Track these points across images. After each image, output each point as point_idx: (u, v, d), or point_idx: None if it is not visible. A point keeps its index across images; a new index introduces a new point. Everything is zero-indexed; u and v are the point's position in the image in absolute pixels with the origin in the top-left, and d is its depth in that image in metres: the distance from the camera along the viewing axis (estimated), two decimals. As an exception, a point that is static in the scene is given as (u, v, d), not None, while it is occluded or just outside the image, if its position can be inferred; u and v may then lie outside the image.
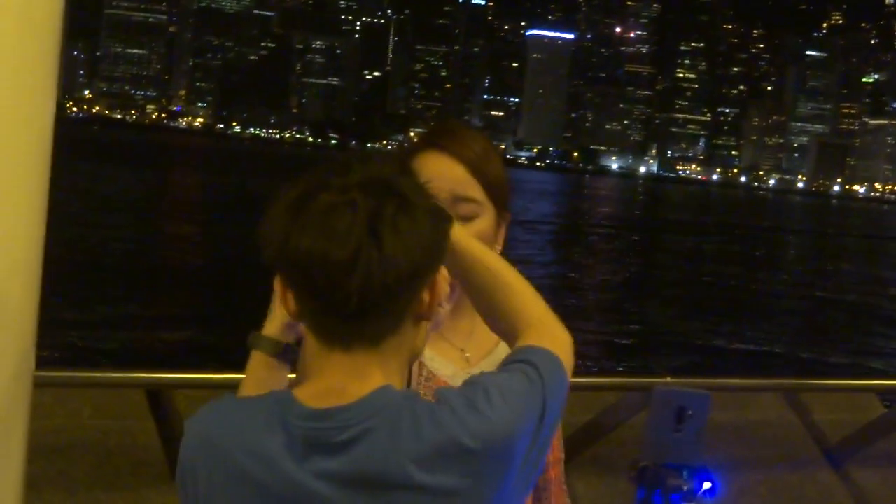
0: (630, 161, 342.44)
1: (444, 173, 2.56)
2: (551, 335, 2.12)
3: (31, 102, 2.44)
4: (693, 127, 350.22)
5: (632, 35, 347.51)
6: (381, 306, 1.88)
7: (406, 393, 1.92)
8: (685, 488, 2.14)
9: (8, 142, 2.39)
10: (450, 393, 1.93)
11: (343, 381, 1.92)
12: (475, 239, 2.28)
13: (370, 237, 1.84)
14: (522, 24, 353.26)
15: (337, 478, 1.85)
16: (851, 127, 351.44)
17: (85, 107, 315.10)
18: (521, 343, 2.11)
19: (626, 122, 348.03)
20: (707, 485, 2.17)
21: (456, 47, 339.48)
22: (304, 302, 1.92)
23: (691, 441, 2.16)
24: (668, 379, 6.24)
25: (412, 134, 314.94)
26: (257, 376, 2.20)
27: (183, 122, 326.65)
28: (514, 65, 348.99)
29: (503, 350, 2.68)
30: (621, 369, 20.35)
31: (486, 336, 2.65)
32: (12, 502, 2.52)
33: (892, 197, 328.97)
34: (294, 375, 2.18)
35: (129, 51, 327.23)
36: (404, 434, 1.85)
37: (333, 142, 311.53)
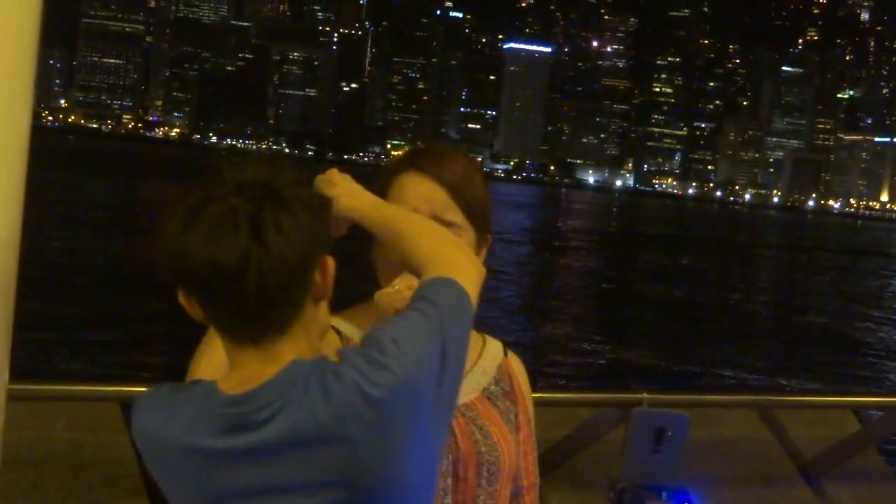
0: (606, 174, 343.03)
1: (424, 196, 2.56)
2: (451, 264, 2.22)
3: (6, 111, 2.41)
4: (669, 141, 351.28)
5: (608, 49, 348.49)
6: (279, 301, 2.00)
7: (314, 360, 2.02)
8: (664, 511, 2.13)
9: None
10: (350, 351, 2.04)
11: (258, 368, 2.03)
12: (371, 206, 2.41)
13: (255, 241, 1.95)
14: (500, 37, 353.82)
15: (259, 447, 1.98)
16: (827, 142, 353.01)
17: (61, 116, 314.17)
18: (422, 279, 2.22)
19: (602, 135, 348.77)
20: (687, 508, 2.17)
21: (433, 60, 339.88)
22: (206, 309, 2.03)
23: (670, 462, 2.15)
24: (645, 395, 6.23)
25: (389, 146, 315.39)
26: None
27: (160, 132, 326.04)
28: (492, 77, 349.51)
29: (482, 369, 2.67)
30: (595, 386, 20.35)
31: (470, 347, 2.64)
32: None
33: (867, 212, 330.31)
34: None
35: (106, 60, 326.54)
36: (315, 397, 1.97)
37: (311, 153, 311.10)
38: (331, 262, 2.09)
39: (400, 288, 2.45)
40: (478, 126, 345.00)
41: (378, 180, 2.64)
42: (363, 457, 1.97)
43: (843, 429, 8.07)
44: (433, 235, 2.32)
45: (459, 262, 2.24)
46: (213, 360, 2.28)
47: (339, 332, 2.51)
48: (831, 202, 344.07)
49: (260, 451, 1.99)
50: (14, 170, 2.44)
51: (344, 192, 2.42)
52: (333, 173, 2.47)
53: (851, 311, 43.91)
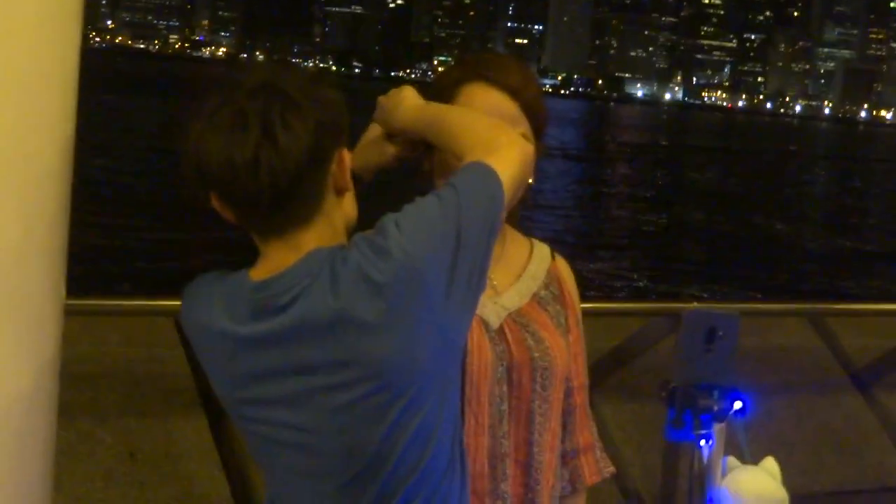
0: (655, 88, 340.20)
1: (495, 108, 2.55)
2: (488, 147, 2.24)
3: (57, 32, 2.43)
4: (718, 53, 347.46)
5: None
6: (294, 193, 2.11)
7: (331, 248, 2.13)
8: (716, 408, 2.14)
9: (36, 71, 2.38)
10: (360, 237, 2.15)
11: (284, 257, 2.16)
12: (414, 110, 2.46)
13: (264, 138, 2.07)
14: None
15: (280, 330, 2.11)
16: (879, 52, 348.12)
17: (108, 37, 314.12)
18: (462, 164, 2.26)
19: (650, 49, 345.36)
20: (738, 404, 2.17)
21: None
22: (232, 209, 2.16)
23: (722, 362, 2.16)
24: (695, 304, 6.24)
25: (436, 62, 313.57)
26: None
27: (206, 51, 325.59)
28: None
29: (531, 274, 2.68)
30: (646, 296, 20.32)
31: (514, 261, 2.65)
32: (47, 429, 2.54)
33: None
34: None
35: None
36: (328, 282, 2.09)
37: (357, 71, 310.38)
38: (347, 155, 2.18)
39: None
40: (525, 41, 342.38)
41: (436, 91, 2.63)
42: (374, 339, 2.07)
43: (894, 336, 8.05)
44: (476, 121, 2.34)
45: (499, 142, 2.26)
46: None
47: None
48: (884, 113, 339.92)
49: (281, 335, 2.10)
50: (66, 95, 2.46)
51: (390, 107, 2.49)
52: (398, 91, 2.53)
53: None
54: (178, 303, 5.91)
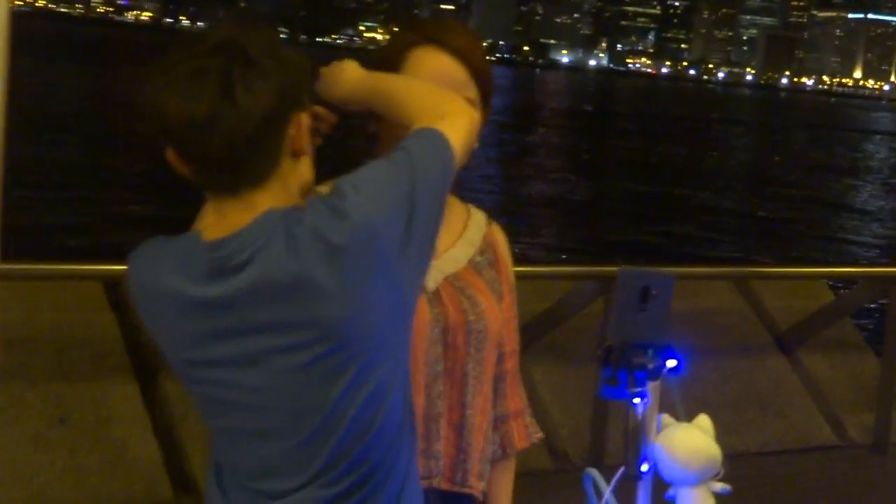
0: (580, 55, 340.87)
1: (446, 74, 2.56)
2: (436, 113, 2.27)
3: None
4: (643, 20, 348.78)
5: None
6: (249, 152, 2.09)
7: (285, 209, 2.11)
8: (650, 366, 2.16)
9: None
10: (315, 198, 2.13)
11: (237, 216, 2.13)
12: (360, 80, 2.44)
13: (223, 95, 2.05)
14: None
15: (235, 292, 2.08)
16: (800, 20, 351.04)
17: (29, 0, 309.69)
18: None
19: (576, 15, 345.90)
20: (672, 363, 2.20)
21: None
22: (187, 164, 2.13)
23: (656, 321, 2.18)
24: (624, 266, 6.29)
25: (362, 28, 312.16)
26: None
27: (130, 16, 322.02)
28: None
29: (468, 239, 2.69)
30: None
31: (452, 225, 2.66)
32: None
33: (840, 89, 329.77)
34: None
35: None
36: (283, 243, 2.07)
37: (283, 37, 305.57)
38: (305, 119, 2.16)
39: None
40: (452, 7, 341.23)
41: (386, 55, 2.63)
42: (329, 300, 2.06)
43: (817, 299, 8.16)
44: (421, 90, 2.36)
45: (446, 109, 2.28)
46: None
47: None
48: (804, 79, 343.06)
49: (237, 296, 2.08)
50: None
51: (331, 79, 2.46)
52: (340, 64, 2.50)
53: (825, 184, 44.08)
54: (107, 267, 5.90)
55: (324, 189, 2.55)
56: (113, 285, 5.97)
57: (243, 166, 2.10)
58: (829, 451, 7.44)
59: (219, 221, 2.15)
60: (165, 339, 2.22)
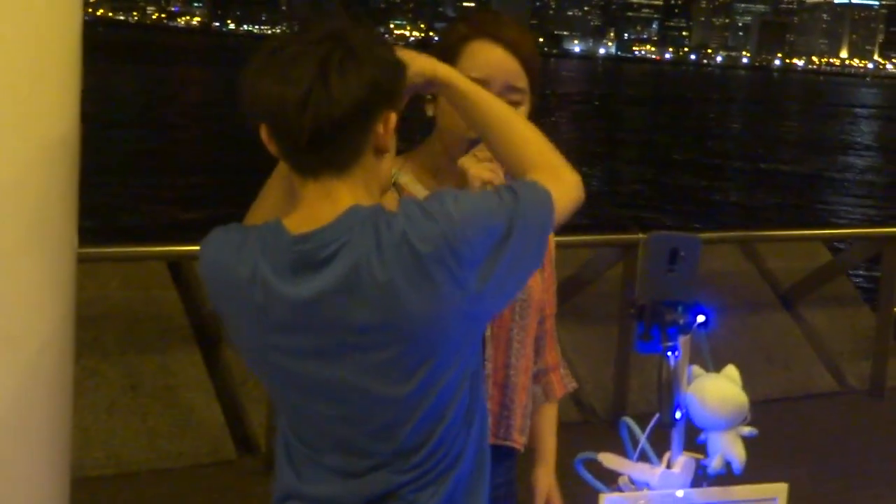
0: (590, 44, 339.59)
1: (500, 65, 2.51)
2: (555, 176, 2.13)
3: (59, 13, 2.41)
4: (647, 11, 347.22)
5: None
6: (335, 138, 1.99)
7: (371, 208, 2.01)
8: (681, 322, 2.12)
9: (44, 39, 2.37)
10: (410, 201, 2.02)
11: (318, 206, 2.02)
12: (482, 89, 2.27)
13: (319, 80, 1.96)
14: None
15: (322, 290, 1.97)
16: (790, 6, 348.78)
17: (90, 10, 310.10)
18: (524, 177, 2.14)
19: (585, 8, 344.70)
20: (701, 318, 2.16)
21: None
22: (276, 141, 2.04)
23: (684, 280, 2.14)
24: (641, 235, 6.23)
25: (392, 25, 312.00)
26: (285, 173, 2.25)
27: (181, 21, 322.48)
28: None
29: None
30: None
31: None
32: (66, 365, 2.53)
33: (828, 69, 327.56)
34: None
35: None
36: (370, 242, 1.96)
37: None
38: (393, 118, 2.05)
39: (483, 157, 2.37)
40: (472, 3, 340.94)
41: (442, 48, 2.55)
42: (408, 305, 1.95)
43: (816, 259, 8.12)
44: (542, 142, 2.20)
45: (565, 177, 2.15)
46: (266, 204, 2.26)
47: (395, 184, 2.39)
48: (795, 60, 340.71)
49: (320, 291, 1.98)
50: (70, 66, 2.44)
51: (428, 58, 2.31)
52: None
53: (817, 153, 43.84)
54: (170, 248, 5.89)
55: (399, 176, 2.46)
56: (175, 264, 5.96)
57: (327, 150, 2.00)
58: (831, 398, 7.44)
59: (300, 208, 2.06)
60: (238, 323, 2.11)
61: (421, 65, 2.23)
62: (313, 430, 2.10)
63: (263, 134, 2.04)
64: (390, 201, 2.13)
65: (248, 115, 2.05)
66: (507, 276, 2.00)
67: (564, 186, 2.12)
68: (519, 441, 2.65)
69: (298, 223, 2.03)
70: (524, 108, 2.52)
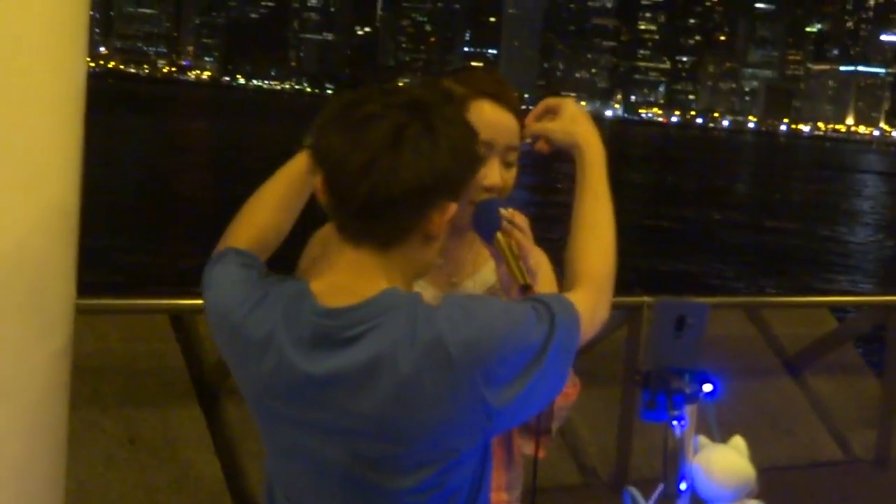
0: (598, 106, 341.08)
1: (504, 125, 2.49)
2: (595, 297, 2.07)
3: (65, 57, 2.44)
4: (654, 74, 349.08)
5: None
6: (387, 214, 1.87)
7: (409, 295, 1.90)
8: (687, 391, 2.09)
9: (47, 91, 2.38)
10: (453, 299, 1.91)
11: (351, 279, 1.92)
12: (604, 175, 2.25)
13: (388, 150, 1.84)
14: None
15: (338, 371, 1.86)
16: (797, 72, 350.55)
17: (101, 62, 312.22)
18: (566, 292, 2.06)
19: (593, 70, 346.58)
20: (708, 387, 2.13)
21: (439, 3, 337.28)
22: (328, 196, 1.92)
23: (691, 347, 2.11)
24: (646, 298, 6.21)
25: (401, 84, 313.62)
26: (295, 170, 2.22)
27: (192, 75, 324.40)
28: (492, 19, 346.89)
29: (489, 271, 2.60)
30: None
31: (475, 259, 2.58)
32: (62, 417, 2.51)
33: (834, 135, 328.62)
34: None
35: (141, 10, 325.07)
36: (402, 331, 1.84)
37: (329, 92, 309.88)
38: (452, 209, 1.93)
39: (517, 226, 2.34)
40: (480, 63, 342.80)
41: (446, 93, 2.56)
42: (425, 408, 1.85)
43: (822, 326, 8.08)
44: (610, 261, 2.16)
45: (601, 307, 2.10)
46: (256, 220, 2.22)
47: None
48: (801, 126, 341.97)
49: (337, 372, 1.87)
50: (73, 117, 2.45)
51: (590, 127, 2.29)
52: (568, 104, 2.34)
53: (825, 219, 43.82)
54: (172, 301, 5.86)
55: None
56: (177, 317, 5.93)
57: (375, 223, 1.89)
58: (835, 467, 7.36)
59: (330, 277, 1.95)
60: (244, 375, 2.00)
61: (581, 131, 2.25)
62: (299, 486, 2.00)
63: (318, 182, 1.93)
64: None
65: (311, 161, 1.96)
66: (529, 397, 1.90)
67: (598, 314, 2.06)
68: (501, 500, 2.53)
69: (327, 292, 1.93)
70: (516, 166, 2.51)
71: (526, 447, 2.63)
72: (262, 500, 2.11)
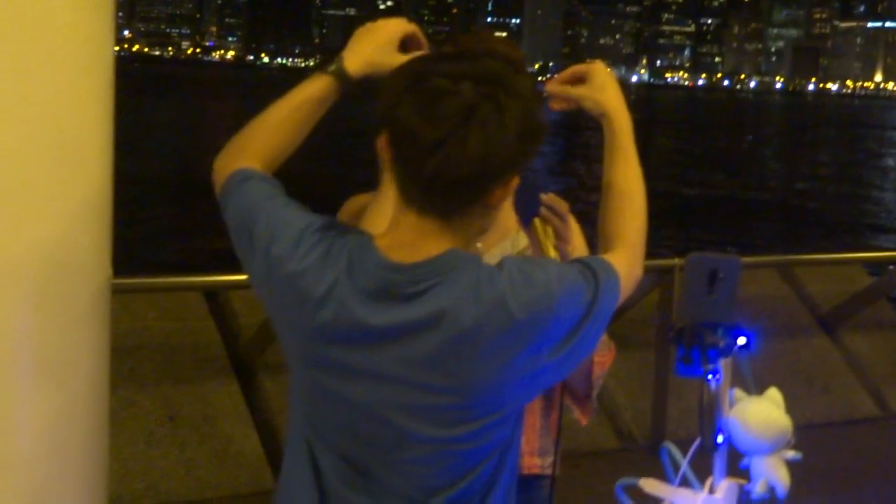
0: (623, 72, 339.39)
1: None
2: (630, 259, 2.12)
3: (93, 40, 2.44)
4: (679, 38, 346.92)
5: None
6: (451, 191, 1.91)
7: (470, 256, 1.94)
8: (721, 344, 2.09)
9: (81, 71, 2.40)
10: (512, 262, 1.95)
11: (414, 238, 1.95)
12: (632, 143, 2.27)
13: (458, 131, 1.86)
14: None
15: (400, 323, 1.90)
16: (823, 30, 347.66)
17: (126, 45, 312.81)
18: (602, 254, 2.12)
19: (617, 36, 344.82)
20: (742, 340, 2.13)
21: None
22: (393, 159, 1.94)
23: (724, 302, 2.11)
24: (676, 260, 6.20)
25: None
26: (308, 93, 2.24)
27: (216, 55, 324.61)
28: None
29: (520, 237, 2.60)
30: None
31: (503, 225, 2.58)
32: (104, 396, 2.53)
33: (862, 93, 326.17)
34: None
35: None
36: (465, 289, 1.89)
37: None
38: (515, 181, 1.97)
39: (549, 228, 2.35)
40: (504, 34, 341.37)
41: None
42: (481, 363, 1.90)
43: (855, 283, 8.05)
44: (644, 223, 2.21)
45: (636, 266, 2.15)
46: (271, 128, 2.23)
47: None
48: (829, 85, 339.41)
49: (397, 326, 1.91)
50: (104, 100, 2.47)
51: (618, 94, 2.32)
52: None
53: (855, 178, 43.53)
54: (206, 279, 5.90)
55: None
56: (212, 294, 5.97)
57: (439, 198, 1.93)
58: (872, 423, 7.34)
59: (393, 234, 1.98)
60: (290, 320, 2.00)
61: (609, 99, 2.27)
62: (341, 438, 2.02)
63: (382, 140, 1.96)
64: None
65: (379, 119, 1.96)
66: (570, 356, 1.98)
67: (632, 275, 2.11)
68: (534, 465, 2.54)
69: (391, 247, 1.96)
70: None
71: (576, 412, 2.66)
72: (292, 455, 2.10)
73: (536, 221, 2.32)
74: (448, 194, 1.92)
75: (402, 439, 1.96)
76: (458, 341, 1.89)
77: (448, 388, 1.92)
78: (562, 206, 2.31)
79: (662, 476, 2.24)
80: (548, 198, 2.28)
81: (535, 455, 2.55)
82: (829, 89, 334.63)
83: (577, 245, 2.56)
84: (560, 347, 1.94)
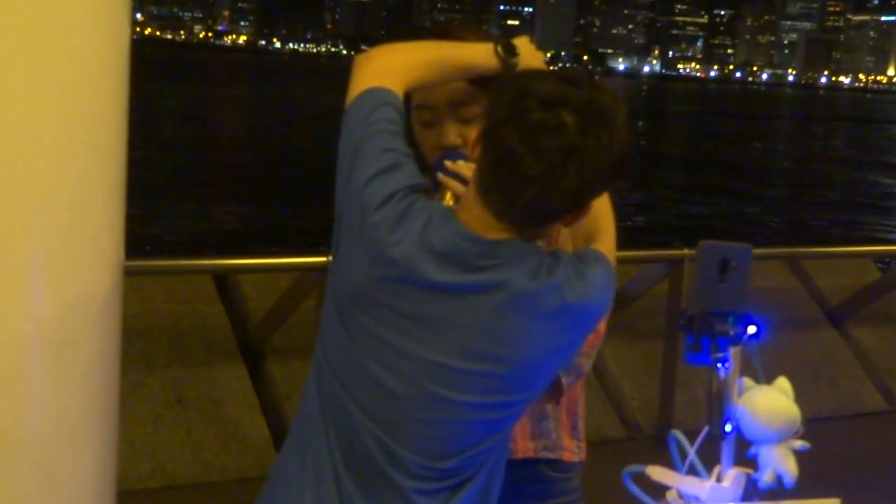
0: (635, 62, 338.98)
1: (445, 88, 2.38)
2: (613, 251, 2.29)
3: (110, 25, 2.47)
4: (692, 28, 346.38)
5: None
6: (534, 212, 1.98)
7: (535, 246, 2.02)
8: (731, 333, 2.10)
9: (97, 54, 2.43)
10: (565, 255, 2.05)
11: (486, 225, 2.00)
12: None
13: (556, 169, 1.91)
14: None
15: (461, 285, 1.98)
16: (836, 24, 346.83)
17: (138, 29, 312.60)
18: (594, 244, 2.24)
19: (630, 26, 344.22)
20: (752, 329, 2.13)
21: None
22: (485, 165, 1.98)
23: (735, 291, 2.12)
24: (686, 251, 6.19)
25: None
26: (476, 66, 2.28)
27: (228, 40, 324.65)
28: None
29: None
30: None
31: None
32: (114, 378, 2.55)
33: (875, 86, 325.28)
34: None
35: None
36: (527, 271, 1.98)
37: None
38: (590, 207, 2.04)
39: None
40: (517, 22, 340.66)
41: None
42: (527, 342, 1.99)
43: (864, 276, 8.03)
44: (612, 223, 2.38)
45: (615, 252, 2.30)
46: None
47: None
48: (842, 78, 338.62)
49: (459, 288, 1.98)
50: (119, 84, 2.48)
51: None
52: None
53: (865, 170, 43.44)
54: (215, 262, 5.89)
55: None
56: (221, 278, 5.98)
57: (523, 218, 2.00)
58: (879, 417, 7.33)
59: (471, 210, 2.02)
60: (360, 257, 2.04)
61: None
62: (366, 393, 2.04)
63: (473, 138, 2.03)
64: None
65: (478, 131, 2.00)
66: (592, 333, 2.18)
67: (614, 258, 2.25)
68: (528, 449, 2.53)
69: (469, 219, 2.01)
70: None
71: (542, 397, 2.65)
72: (314, 405, 2.12)
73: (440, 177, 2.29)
74: (533, 219, 2.00)
75: (427, 396, 2.01)
76: (513, 308, 1.97)
77: (492, 356, 1.99)
78: (468, 170, 2.26)
79: (669, 465, 2.24)
80: (456, 164, 2.24)
81: (527, 439, 2.55)
82: (842, 83, 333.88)
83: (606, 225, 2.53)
84: (589, 335, 2.11)
